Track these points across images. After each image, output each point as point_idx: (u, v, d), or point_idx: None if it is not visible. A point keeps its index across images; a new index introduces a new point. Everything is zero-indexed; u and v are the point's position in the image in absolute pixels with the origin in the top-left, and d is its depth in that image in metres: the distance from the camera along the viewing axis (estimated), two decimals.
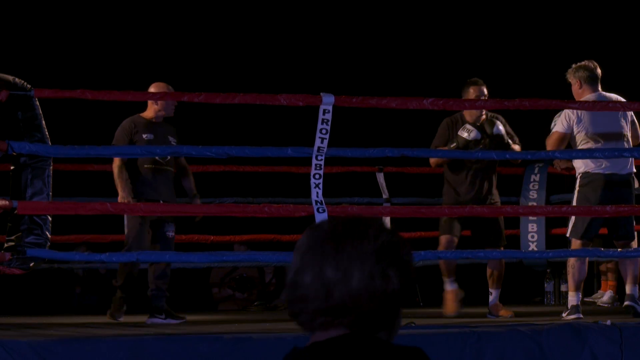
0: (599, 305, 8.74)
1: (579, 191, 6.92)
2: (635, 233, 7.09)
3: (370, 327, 2.04)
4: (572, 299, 6.79)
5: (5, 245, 5.73)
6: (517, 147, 7.43)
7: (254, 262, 8.56)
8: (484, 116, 7.40)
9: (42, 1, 10.69)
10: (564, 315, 6.72)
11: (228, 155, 5.95)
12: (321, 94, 5.88)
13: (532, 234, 8.69)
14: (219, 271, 10.11)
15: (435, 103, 6.50)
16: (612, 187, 6.83)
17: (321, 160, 5.85)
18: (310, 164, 5.88)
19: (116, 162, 6.98)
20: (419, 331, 5.43)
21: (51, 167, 5.87)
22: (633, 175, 7.02)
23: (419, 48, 11.30)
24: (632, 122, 7.05)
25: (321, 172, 5.85)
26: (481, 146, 7.30)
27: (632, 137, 7.00)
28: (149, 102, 7.15)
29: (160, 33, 10.84)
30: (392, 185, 9.08)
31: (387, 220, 7.52)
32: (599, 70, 7.01)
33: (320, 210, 5.79)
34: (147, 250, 6.85)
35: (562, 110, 7.07)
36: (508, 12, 11.29)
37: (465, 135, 7.28)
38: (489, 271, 7.48)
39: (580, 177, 6.94)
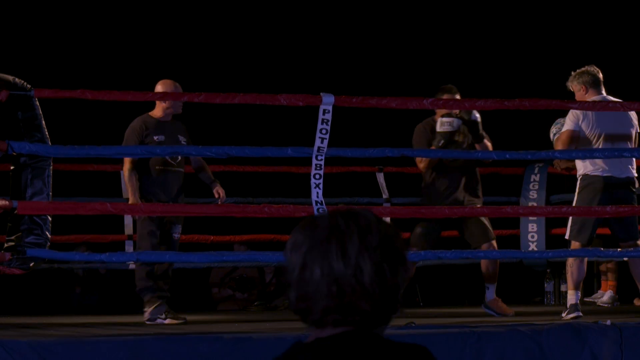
0: (599, 305, 8.74)
1: (578, 193, 6.93)
2: None
3: (377, 321, 2.02)
4: (572, 297, 6.80)
5: (5, 245, 5.73)
6: (489, 144, 7.46)
7: (254, 262, 8.56)
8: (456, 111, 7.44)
9: (42, 1, 10.69)
10: (563, 315, 6.72)
11: (228, 155, 5.95)
12: (321, 94, 5.88)
13: (532, 234, 8.69)
14: (219, 271, 10.10)
15: (435, 103, 6.51)
16: (611, 189, 6.83)
17: (321, 160, 5.85)
18: (310, 164, 5.88)
19: (126, 165, 6.92)
20: (419, 331, 5.43)
21: (51, 167, 5.87)
22: (634, 178, 7.00)
23: (419, 48, 11.30)
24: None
25: (321, 172, 5.86)
26: (462, 135, 7.32)
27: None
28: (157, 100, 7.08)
29: (160, 33, 10.84)
30: (392, 185, 9.08)
31: (387, 220, 7.51)
32: (601, 74, 7.02)
33: (320, 210, 5.79)
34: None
35: (558, 117, 7.07)
36: (508, 12, 11.29)
37: (447, 128, 7.27)
38: (483, 266, 7.46)
39: (580, 179, 6.94)
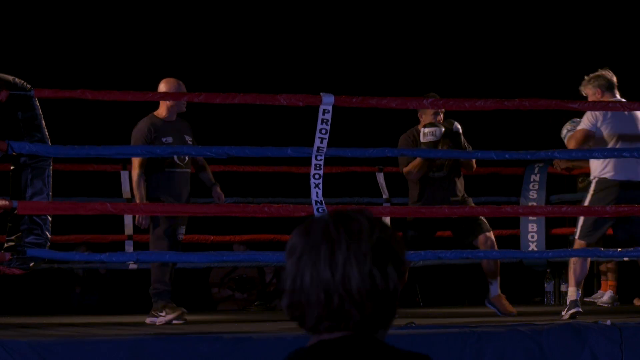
0: (599, 305, 8.74)
1: (592, 195, 6.88)
2: None
3: (373, 326, 2.02)
4: (572, 294, 6.79)
5: (5, 245, 5.74)
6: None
7: (254, 262, 8.56)
8: (440, 117, 7.43)
9: (42, 1, 10.68)
10: (563, 312, 6.72)
11: (228, 155, 5.95)
12: (321, 94, 5.88)
13: (532, 234, 8.69)
14: (218, 271, 10.10)
15: (435, 103, 6.50)
16: (626, 193, 6.79)
17: (321, 160, 5.86)
18: (310, 164, 5.88)
19: (135, 169, 6.84)
20: (419, 331, 5.43)
21: (51, 167, 5.87)
22: None
23: (418, 48, 11.30)
24: None
25: (321, 172, 5.86)
26: (446, 146, 7.32)
27: None
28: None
29: (160, 33, 10.84)
30: (392, 185, 9.08)
31: (387, 220, 7.51)
32: (615, 78, 7.01)
33: (320, 210, 5.79)
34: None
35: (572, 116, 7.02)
36: (508, 12, 11.29)
37: (430, 138, 7.27)
38: (483, 263, 7.44)
39: (596, 182, 6.89)
